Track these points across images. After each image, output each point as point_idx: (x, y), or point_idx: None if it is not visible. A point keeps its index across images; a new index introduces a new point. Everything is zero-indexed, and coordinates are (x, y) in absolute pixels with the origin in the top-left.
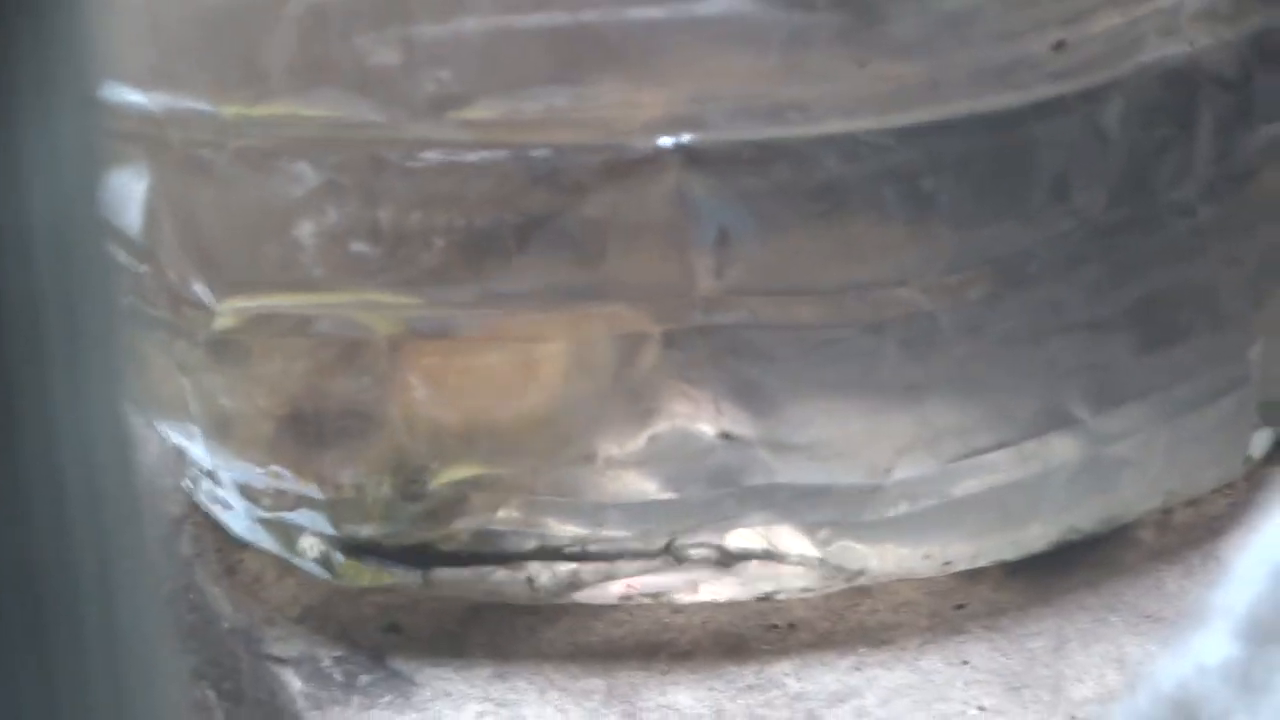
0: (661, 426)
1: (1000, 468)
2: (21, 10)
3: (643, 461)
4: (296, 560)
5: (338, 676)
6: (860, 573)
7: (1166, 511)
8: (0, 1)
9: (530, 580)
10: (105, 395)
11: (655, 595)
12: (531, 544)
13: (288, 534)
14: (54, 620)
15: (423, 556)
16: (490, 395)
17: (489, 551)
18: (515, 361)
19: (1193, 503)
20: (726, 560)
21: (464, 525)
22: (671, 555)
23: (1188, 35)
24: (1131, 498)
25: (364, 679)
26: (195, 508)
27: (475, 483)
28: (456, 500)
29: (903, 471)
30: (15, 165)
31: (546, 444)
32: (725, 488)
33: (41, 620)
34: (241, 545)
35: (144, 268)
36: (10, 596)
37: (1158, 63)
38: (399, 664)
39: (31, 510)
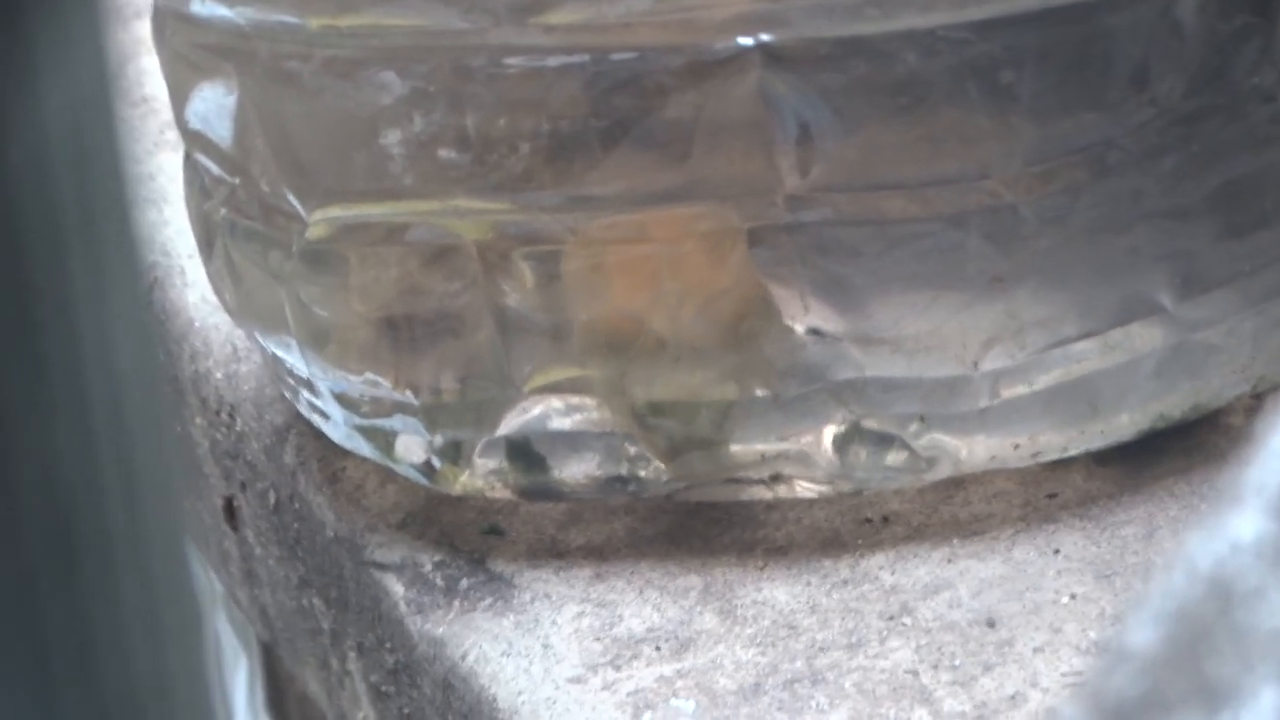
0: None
1: (1087, 357)
2: None
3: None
4: (395, 466)
5: (439, 581)
6: (952, 464)
7: (1256, 397)
8: None
9: (627, 481)
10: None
11: (750, 493)
12: (629, 445)
13: (386, 441)
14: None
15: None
16: (580, 298)
17: (586, 454)
18: (604, 264)
19: None
20: (820, 456)
21: (558, 426)
22: (766, 453)
23: None
24: (1219, 385)
25: (464, 583)
26: (298, 417)
27: (569, 385)
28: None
29: (990, 363)
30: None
31: (640, 345)
32: (815, 383)
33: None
34: (344, 454)
35: (237, 180)
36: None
37: None
38: (499, 567)
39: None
